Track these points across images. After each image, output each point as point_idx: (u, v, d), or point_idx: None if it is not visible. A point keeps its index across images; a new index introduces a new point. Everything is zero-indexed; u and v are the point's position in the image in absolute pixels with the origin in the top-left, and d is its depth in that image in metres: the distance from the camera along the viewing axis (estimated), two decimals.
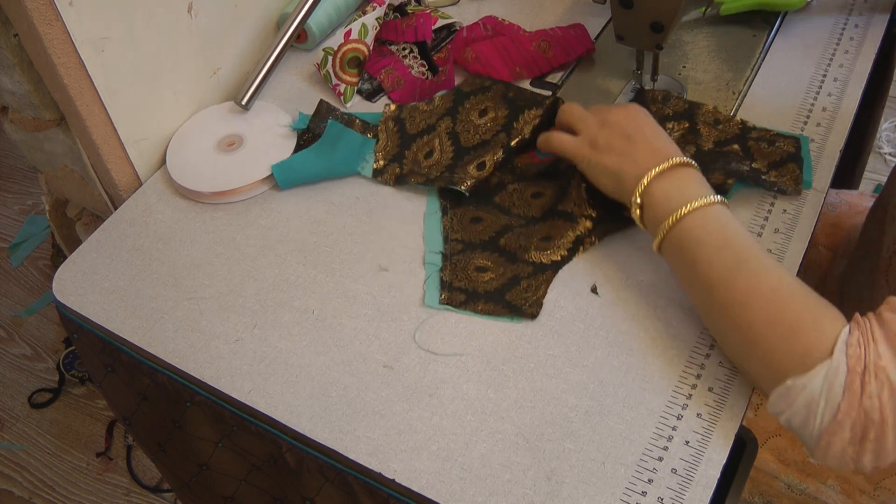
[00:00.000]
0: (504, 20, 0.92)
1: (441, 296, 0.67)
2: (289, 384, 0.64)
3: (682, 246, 0.61)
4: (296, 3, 0.86)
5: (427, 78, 0.87)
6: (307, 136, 0.81)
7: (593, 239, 0.70)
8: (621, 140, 0.66)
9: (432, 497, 0.57)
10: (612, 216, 0.70)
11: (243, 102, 0.83)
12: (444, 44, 0.92)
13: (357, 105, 0.86)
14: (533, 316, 0.65)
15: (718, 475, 0.56)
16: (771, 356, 0.55)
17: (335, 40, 0.86)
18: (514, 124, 0.77)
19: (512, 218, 0.73)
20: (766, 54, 0.87)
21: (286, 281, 0.71)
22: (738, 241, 0.59)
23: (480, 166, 0.75)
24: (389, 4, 0.90)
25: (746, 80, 0.85)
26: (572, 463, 0.58)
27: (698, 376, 0.62)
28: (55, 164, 0.84)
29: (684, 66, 0.87)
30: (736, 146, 0.74)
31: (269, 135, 0.82)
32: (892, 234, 0.67)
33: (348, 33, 0.86)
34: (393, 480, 0.58)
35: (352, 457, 0.59)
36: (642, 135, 0.66)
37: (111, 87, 0.74)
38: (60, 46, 0.68)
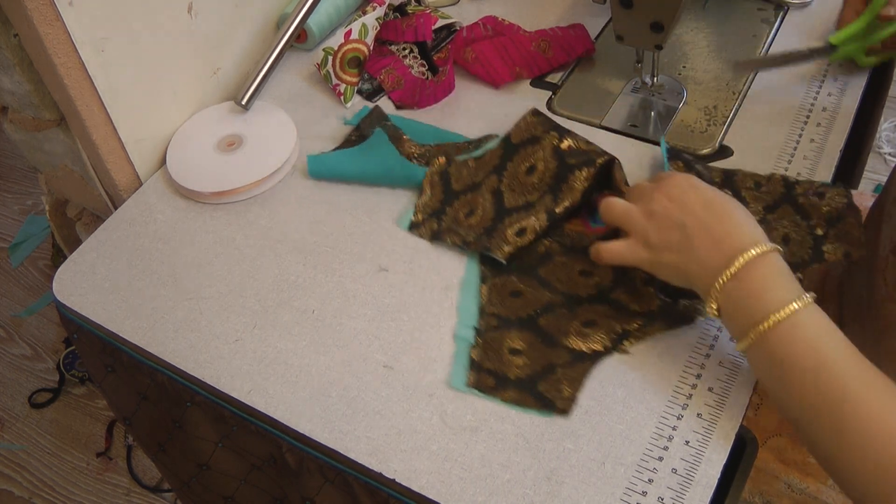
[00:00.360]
0: (504, 20, 0.92)
1: (468, 377, 0.62)
2: (289, 384, 0.64)
3: (769, 365, 0.54)
4: (296, 3, 0.86)
5: (427, 78, 0.87)
6: (356, 133, 0.81)
7: (641, 335, 0.64)
8: (675, 233, 0.59)
9: (432, 497, 0.57)
10: (667, 316, 0.64)
11: (243, 102, 0.83)
12: (444, 44, 0.92)
13: (357, 105, 0.86)
14: (564, 412, 0.60)
15: (718, 475, 0.56)
16: (890, 500, 0.49)
17: (335, 40, 0.86)
18: (562, 185, 0.70)
19: (555, 295, 0.67)
20: (766, 54, 0.87)
21: (286, 281, 0.71)
22: (835, 358, 0.52)
23: (520, 232, 0.69)
24: (389, 4, 0.90)
25: (746, 80, 0.84)
26: (572, 463, 0.58)
27: (698, 376, 0.62)
28: (55, 164, 0.84)
29: (684, 66, 0.87)
30: (787, 207, 0.68)
31: (269, 135, 0.82)
32: (888, 233, 0.67)
33: (348, 33, 0.86)
34: (393, 480, 0.58)
35: (352, 457, 0.59)
36: (696, 220, 0.58)
37: (111, 87, 0.74)
38: (60, 46, 0.68)
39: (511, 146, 0.76)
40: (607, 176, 0.72)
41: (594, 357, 0.63)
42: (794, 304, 0.53)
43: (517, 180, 0.73)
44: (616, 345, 0.63)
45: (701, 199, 0.59)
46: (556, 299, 0.66)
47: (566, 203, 0.70)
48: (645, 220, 0.61)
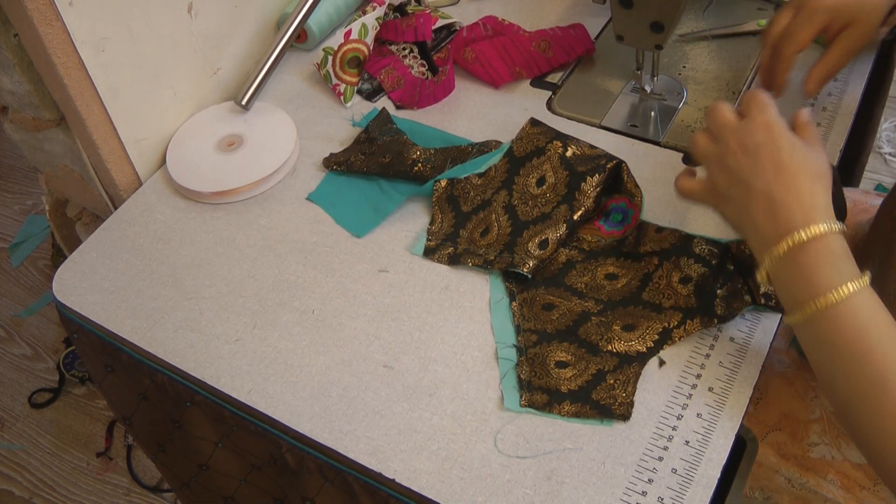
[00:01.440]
0: (504, 20, 0.92)
1: (521, 397, 0.61)
2: (289, 384, 0.64)
3: (815, 344, 0.54)
4: (296, 3, 0.86)
5: (427, 78, 0.87)
6: (365, 135, 0.81)
7: (682, 332, 0.63)
8: (740, 189, 0.57)
9: (432, 497, 0.57)
10: (705, 309, 0.64)
11: (243, 102, 0.83)
12: (444, 44, 0.92)
13: (357, 105, 0.86)
14: (624, 418, 0.59)
15: (718, 475, 0.56)
16: None
17: (335, 40, 0.86)
18: (576, 193, 0.70)
19: (587, 302, 0.66)
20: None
21: (286, 281, 0.71)
22: (880, 345, 0.51)
23: (542, 244, 0.69)
24: (389, 4, 0.90)
25: (746, 81, 0.84)
26: (572, 463, 0.58)
27: (698, 376, 0.62)
28: (55, 164, 0.84)
29: (684, 66, 0.87)
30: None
31: (269, 135, 0.82)
32: None
33: (348, 33, 0.86)
34: (393, 480, 0.58)
35: (352, 457, 0.59)
36: (762, 182, 0.56)
37: (111, 87, 0.74)
38: (60, 46, 0.68)
39: (516, 159, 0.75)
40: (616, 178, 0.72)
41: (641, 358, 0.62)
42: (843, 289, 0.52)
43: (528, 193, 0.72)
44: (659, 345, 0.63)
45: (773, 159, 0.56)
46: (590, 306, 0.66)
47: (581, 210, 0.70)
48: (717, 169, 0.59)
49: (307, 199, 0.77)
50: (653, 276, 0.66)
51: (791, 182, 0.56)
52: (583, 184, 0.70)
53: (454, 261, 0.70)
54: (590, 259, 0.70)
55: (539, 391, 0.61)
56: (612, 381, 0.61)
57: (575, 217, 0.70)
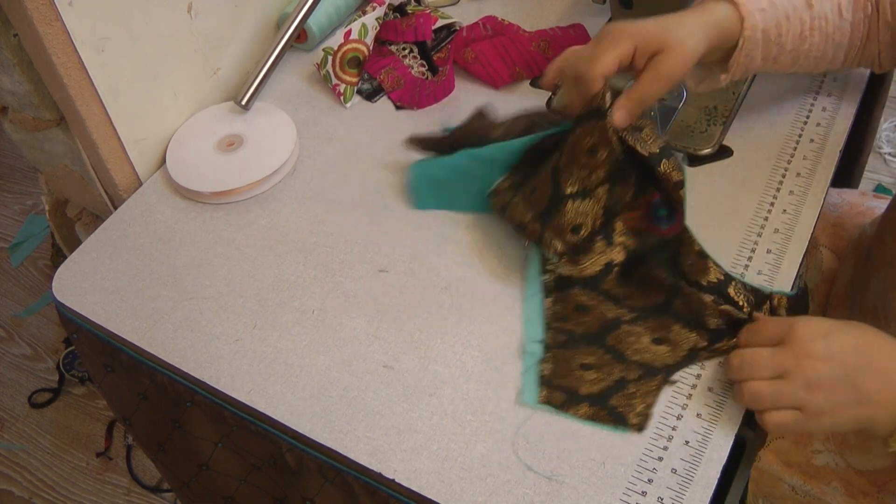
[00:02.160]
0: (504, 20, 0.92)
1: (540, 393, 0.61)
2: (289, 384, 0.64)
3: None
4: (296, 3, 0.86)
5: (427, 78, 0.87)
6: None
7: (708, 354, 0.62)
8: (845, 390, 0.55)
9: (432, 497, 0.57)
10: (736, 332, 0.62)
11: (243, 102, 0.83)
12: (444, 44, 0.92)
13: (357, 105, 0.86)
14: (639, 428, 0.59)
15: (718, 475, 0.56)
16: None
17: (335, 40, 0.87)
18: (626, 174, 0.64)
19: (621, 307, 0.65)
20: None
21: (286, 281, 0.71)
22: None
23: (575, 229, 0.65)
24: (389, 4, 0.90)
25: (746, 81, 0.84)
26: (572, 463, 0.58)
27: (698, 376, 0.62)
28: (55, 164, 0.84)
29: None
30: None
31: (269, 135, 0.82)
32: None
33: (348, 33, 0.86)
34: (393, 480, 0.58)
35: (352, 457, 0.59)
36: (856, 368, 0.55)
37: (111, 87, 0.74)
38: (60, 46, 0.68)
39: (576, 119, 0.65)
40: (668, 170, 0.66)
41: (666, 371, 0.61)
42: None
43: (575, 154, 0.64)
44: (687, 361, 0.62)
45: (844, 345, 0.56)
46: (623, 313, 0.65)
47: (626, 197, 0.65)
48: (807, 393, 0.55)
49: (417, 208, 0.75)
50: (686, 293, 0.64)
51: (869, 346, 0.56)
52: (629, 169, 0.64)
53: (501, 212, 0.69)
54: (629, 259, 0.66)
55: (558, 390, 0.61)
56: (633, 390, 0.61)
57: (615, 202, 0.65)
